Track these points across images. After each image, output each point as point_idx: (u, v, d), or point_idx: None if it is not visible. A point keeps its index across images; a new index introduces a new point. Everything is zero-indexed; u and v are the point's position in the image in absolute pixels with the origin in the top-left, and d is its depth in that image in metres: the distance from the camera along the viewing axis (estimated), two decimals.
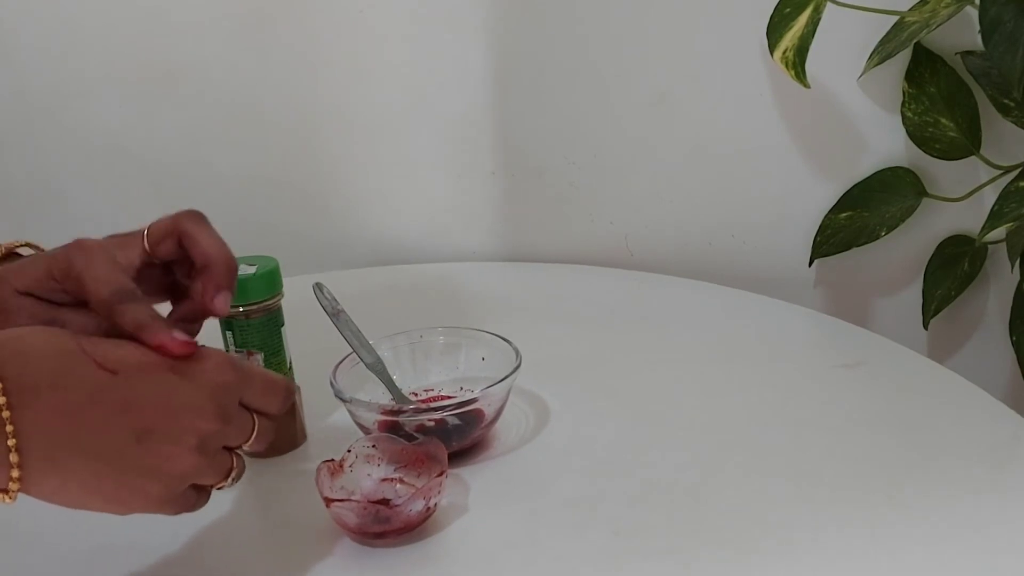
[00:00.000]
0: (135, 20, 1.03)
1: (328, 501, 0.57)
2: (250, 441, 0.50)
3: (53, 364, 0.44)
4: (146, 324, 0.48)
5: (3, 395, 0.42)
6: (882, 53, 0.92)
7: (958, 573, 0.54)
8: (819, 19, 0.84)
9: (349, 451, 0.61)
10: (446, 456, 0.60)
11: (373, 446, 0.62)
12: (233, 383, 0.48)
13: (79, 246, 0.52)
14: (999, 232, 0.88)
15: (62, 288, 0.52)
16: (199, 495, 0.49)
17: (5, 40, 1.05)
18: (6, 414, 0.42)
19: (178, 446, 0.46)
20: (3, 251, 0.55)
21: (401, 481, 0.61)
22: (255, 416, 0.50)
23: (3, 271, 0.53)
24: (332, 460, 0.60)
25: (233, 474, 0.50)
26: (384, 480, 0.61)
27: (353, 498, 0.59)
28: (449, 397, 0.71)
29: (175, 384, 0.46)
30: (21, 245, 0.56)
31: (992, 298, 1.05)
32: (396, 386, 0.69)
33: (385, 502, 0.58)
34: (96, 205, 1.10)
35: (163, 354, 0.48)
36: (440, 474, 0.58)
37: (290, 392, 0.53)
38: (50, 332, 0.45)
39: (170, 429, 0.45)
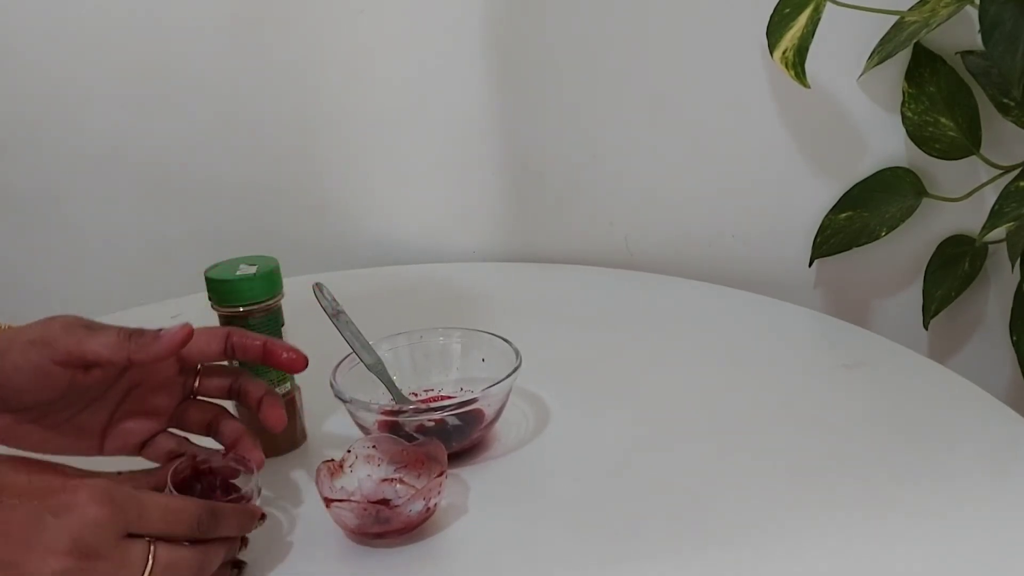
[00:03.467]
0: (133, 25, 1.03)
1: (328, 501, 0.57)
2: (148, 573, 0.48)
3: None
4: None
5: None
6: (882, 53, 0.92)
7: (958, 573, 0.54)
8: (819, 19, 0.84)
9: (349, 451, 0.61)
10: (446, 456, 0.60)
11: (373, 446, 0.62)
12: (101, 519, 0.47)
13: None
14: (999, 232, 0.88)
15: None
16: None
17: (4, 45, 1.05)
18: None
19: None
20: None
21: (401, 481, 0.61)
22: (154, 545, 0.49)
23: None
24: (332, 460, 0.60)
25: None
26: (384, 480, 0.61)
27: (353, 498, 0.59)
28: (449, 397, 0.71)
29: (41, 519, 0.46)
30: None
31: (992, 298, 1.05)
32: (396, 386, 0.69)
33: (385, 502, 0.58)
34: (95, 210, 1.10)
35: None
36: (440, 474, 0.58)
37: (212, 517, 0.51)
38: None
39: (25, 563, 0.46)
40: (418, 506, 0.57)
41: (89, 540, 0.47)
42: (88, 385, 0.56)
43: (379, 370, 0.69)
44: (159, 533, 0.49)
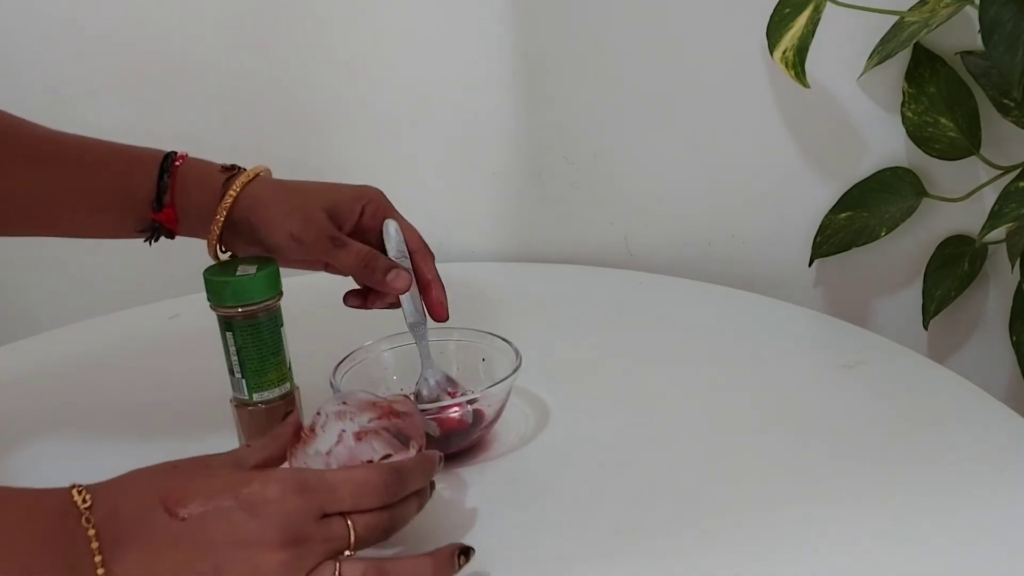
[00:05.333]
0: (135, 21, 1.03)
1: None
2: (352, 542, 0.49)
3: (136, 519, 0.48)
4: (438, 279, 0.69)
5: (100, 553, 0.47)
6: (882, 53, 0.92)
7: (958, 573, 0.54)
8: (819, 19, 0.84)
9: (319, 413, 0.57)
10: (418, 409, 0.58)
11: (343, 403, 0.58)
12: (301, 508, 0.48)
13: (383, 192, 0.71)
14: (999, 232, 0.88)
15: (363, 214, 0.68)
16: None
17: (5, 40, 1.05)
18: (101, 571, 0.46)
19: None
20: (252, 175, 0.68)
21: (377, 433, 0.57)
22: (350, 519, 0.50)
23: (310, 187, 0.69)
24: (301, 428, 0.57)
25: None
26: (359, 434, 0.56)
27: (330, 455, 0.55)
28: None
29: (240, 520, 0.48)
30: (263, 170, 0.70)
31: (992, 298, 1.05)
32: (428, 352, 0.69)
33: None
34: None
35: (430, 308, 0.68)
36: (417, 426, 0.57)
37: (398, 478, 0.51)
38: (137, 484, 0.49)
39: (237, 564, 0.47)
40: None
41: (295, 529, 0.48)
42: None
43: (420, 333, 0.69)
44: (351, 508, 0.50)
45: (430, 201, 1.09)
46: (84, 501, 0.48)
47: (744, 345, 0.84)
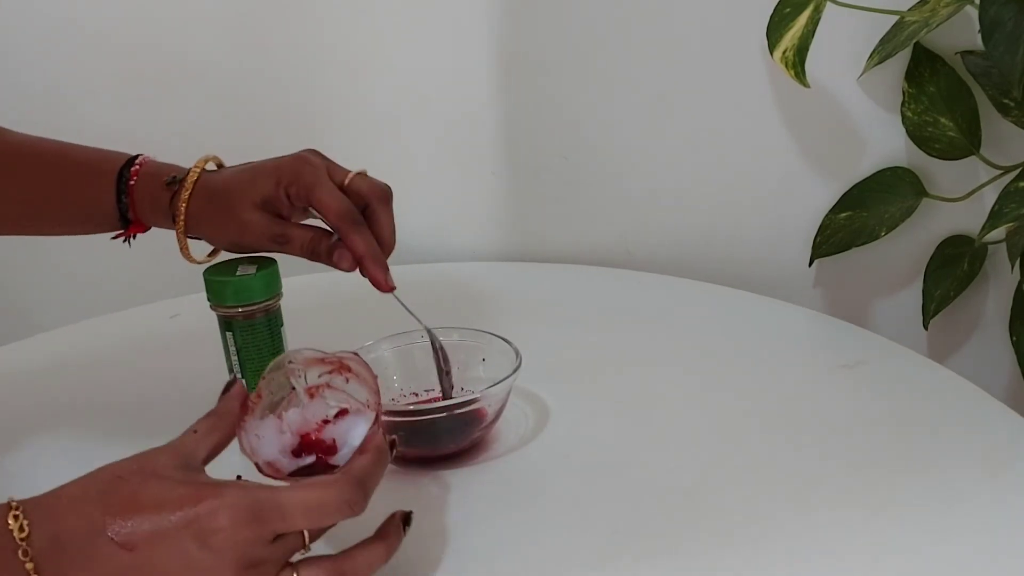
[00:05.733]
0: (134, 21, 1.03)
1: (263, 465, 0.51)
2: (307, 541, 0.48)
3: (80, 549, 0.45)
4: (370, 255, 0.63)
5: None
6: (882, 53, 0.92)
7: (957, 573, 0.54)
8: (819, 19, 0.84)
9: (264, 377, 0.54)
10: (370, 368, 0.55)
11: (290, 362, 0.55)
12: (252, 537, 0.46)
13: (306, 160, 0.65)
14: (999, 232, 0.88)
15: (289, 197, 0.64)
16: None
17: (5, 40, 1.05)
18: None
19: None
20: (205, 163, 0.67)
21: (329, 387, 0.54)
22: (304, 532, 0.48)
23: (236, 186, 0.65)
24: (248, 395, 0.53)
25: None
26: (311, 389, 0.54)
27: (282, 418, 0.53)
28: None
29: (192, 550, 0.45)
30: (211, 159, 0.68)
31: (992, 298, 1.05)
32: (413, 313, 0.69)
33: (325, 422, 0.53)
34: None
35: (374, 285, 0.63)
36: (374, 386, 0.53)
37: (363, 492, 0.48)
38: (77, 504, 0.46)
39: None
40: (359, 426, 0.52)
41: (248, 557, 0.46)
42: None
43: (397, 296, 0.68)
44: (303, 528, 0.48)
45: (429, 201, 1.09)
46: (21, 529, 0.44)
47: (744, 345, 0.84)
